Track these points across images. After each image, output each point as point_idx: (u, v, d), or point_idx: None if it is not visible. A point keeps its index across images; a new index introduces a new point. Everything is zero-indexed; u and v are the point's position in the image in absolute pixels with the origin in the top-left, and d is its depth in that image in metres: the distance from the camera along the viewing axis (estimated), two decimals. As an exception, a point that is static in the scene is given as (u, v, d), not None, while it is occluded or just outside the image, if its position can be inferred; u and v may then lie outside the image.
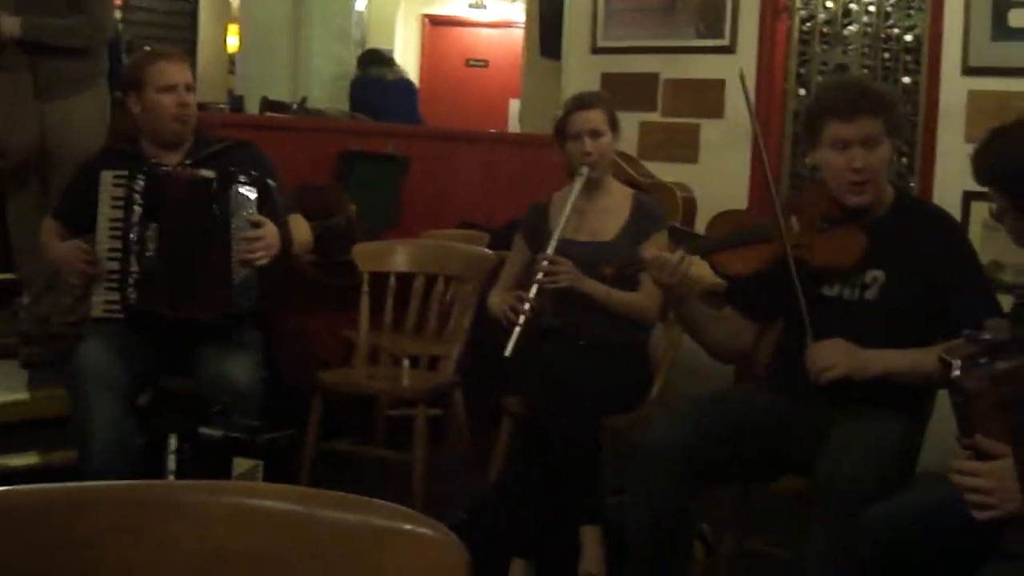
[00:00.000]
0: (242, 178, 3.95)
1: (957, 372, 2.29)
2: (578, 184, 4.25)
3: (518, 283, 4.39)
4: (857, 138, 3.28)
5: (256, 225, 3.92)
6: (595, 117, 4.30)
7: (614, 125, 4.35)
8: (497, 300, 4.31)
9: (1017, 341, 2.29)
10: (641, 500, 3.29)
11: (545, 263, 4.13)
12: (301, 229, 4.27)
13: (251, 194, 3.95)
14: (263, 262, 3.92)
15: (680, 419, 3.35)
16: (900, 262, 3.34)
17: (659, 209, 4.46)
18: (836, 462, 3.03)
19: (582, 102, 4.36)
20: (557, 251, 4.17)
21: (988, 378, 2.24)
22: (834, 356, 3.24)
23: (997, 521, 2.30)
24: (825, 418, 3.22)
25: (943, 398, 3.52)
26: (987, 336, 2.31)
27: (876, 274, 3.35)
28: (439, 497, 4.46)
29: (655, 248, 3.68)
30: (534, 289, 4.10)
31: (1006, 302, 3.49)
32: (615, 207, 4.37)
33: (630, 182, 4.98)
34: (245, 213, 3.93)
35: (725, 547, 3.82)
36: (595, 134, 4.28)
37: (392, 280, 4.85)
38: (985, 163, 2.81)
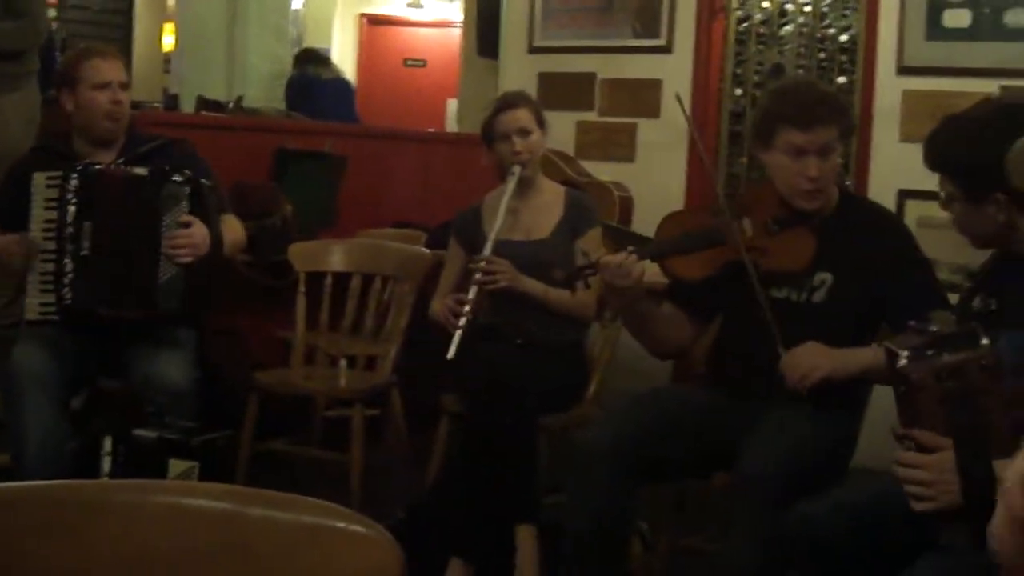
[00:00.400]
0: (176, 177, 3.93)
1: (904, 362, 2.30)
2: (511, 184, 4.23)
3: (457, 288, 4.38)
4: (813, 147, 3.27)
5: (185, 225, 3.90)
6: (522, 116, 4.29)
7: (541, 122, 4.34)
8: (438, 306, 4.29)
9: (963, 335, 2.30)
10: (580, 500, 3.29)
11: (483, 264, 4.13)
12: (233, 230, 4.24)
13: (183, 193, 3.93)
14: (187, 261, 3.89)
15: (618, 418, 3.36)
16: (848, 264, 3.34)
17: (592, 205, 4.46)
18: (755, 457, 3.06)
19: (507, 102, 4.35)
20: (494, 252, 4.16)
21: (932, 371, 2.26)
22: (814, 360, 3.22)
23: (934, 513, 2.32)
24: (760, 414, 3.24)
25: (878, 394, 3.57)
26: (933, 328, 2.32)
27: (824, 276, 3.36)
28: (376, 497, 4.44)
29: (592, 244, 3.68)
30: (473, 291, 4.09)
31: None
32: (548, 205, 4.36)
33: (567, 181, 4.99)
34: (176, 212, 3.91)
35: (663, 544, 3.84)
36: (524, 132, 4.27)
37: (328, 280, 4.82)
38: (937, 150, 2.82)
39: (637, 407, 3.41)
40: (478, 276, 4.11)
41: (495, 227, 4.18)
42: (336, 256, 4.92)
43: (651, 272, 3.53)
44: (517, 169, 4.24)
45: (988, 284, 2.85)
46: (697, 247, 3.41)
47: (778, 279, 3.38)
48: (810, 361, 3.21)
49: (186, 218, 3.90)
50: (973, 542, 2.21)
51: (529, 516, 3.86)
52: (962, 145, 2.75)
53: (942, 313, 2.59)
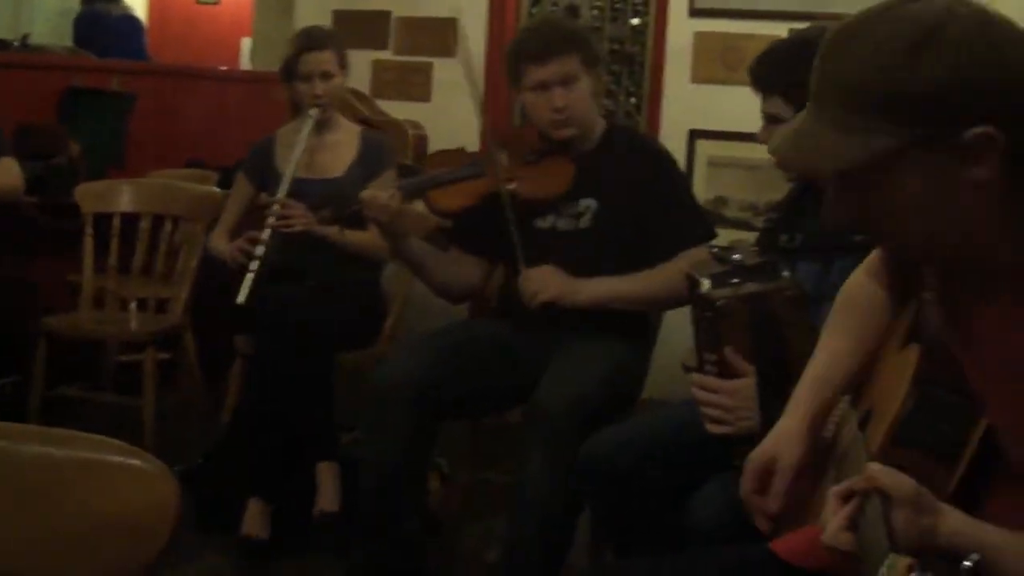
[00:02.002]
0: None
1: (707, 287, 2.33)
2: (307, 126, 4.16)
3: (240, 222, 4.31)
4: (555, 78, 3.37)
5: None
6: (327, 58, 4.21)
7: (344, 64, 4.28)
8: (223, 245, 4.19)
9: (765, 266, 2.35)
10: (378, 435, 3.30)
11: (277, 206, 4.06)
12: (6, 175, 4.10)
13: None
14: None
15: (414, 353, 3.38)
16: (611, 189, 3.43)
17: (387, 146, 4.44)
18: (547, 391, 3.12)
19: (314, 42, 4.24)
20: (288, 191, 4.08)
21: (738, 298, 2.29)
22: (544, 281, 3.32)
23: (727, 437, 2.37)
24: (549, 347, 3.29)
25: (667, 326, 3.65)
26: (736, 256, 2.36)
27: (588, 203, 3.44)
28: (172, 441, 4.39)
29: (384, 186, 3.68)
30: (267, 233, 4.01)
31: (728, 235, 3.59)
32: (343, 143, 4.32)
33: (361, 120, 4.94)
34: None
35: (460, 478, 3.87)
36: (326, 75, 4.20)
37: (117, 221, 4.70)
38: (771, 67, 2.75)
39: (432, 342, 3.43)
40: (272, 219, 4.04)
41: (290, 167, 4.11)
42: (125, 197, 4.80)
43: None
44: (315, 111, 4.18)
45: (795, 218, 2.85)
46: (455, 180, 3.49)
47: (539, 208, 3.46)
48: (540, 283, 3.32)
49: None
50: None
51: (328, 453, 3.87)
52: (798, 58, 2.67)
53: (744, 243, 2.61)
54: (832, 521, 1.54)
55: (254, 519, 3.77)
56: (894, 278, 1.95)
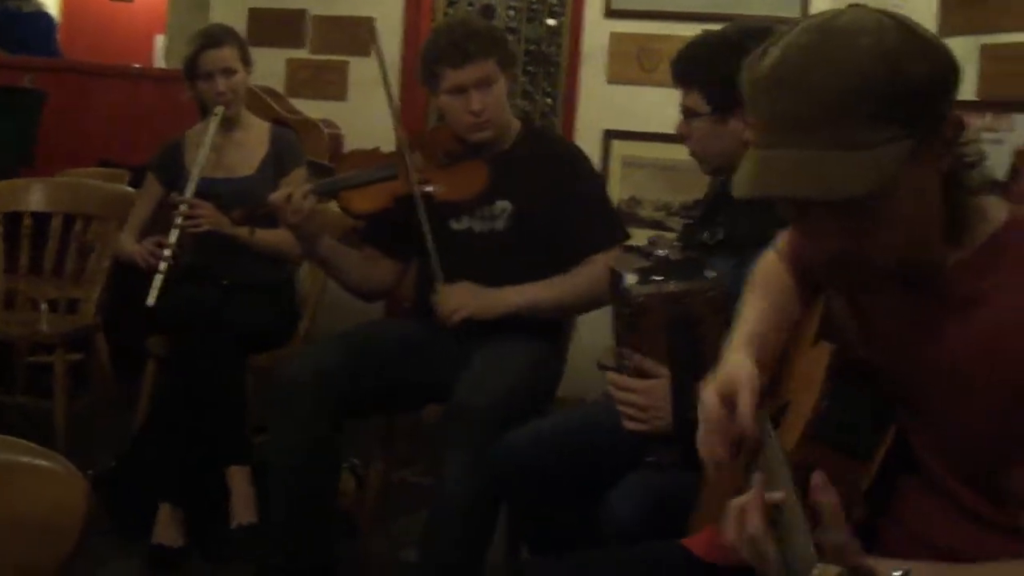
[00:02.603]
0: None
1: (630, 283, 2.33)
2: (214, 124, 4.14)
3: (149, 222, 4.27)
4: (472, 82, 3.36)
5: None
6: (228, 55, 4.18)
7: (247, 60, 4.25)
8: (131, 246, 4.13)
9: (689, 263, 2.35)
10: (284, 433, 3.27)
11: (184, 207, 4.02)
12: None
13: None
14: None
15: (320, 351, 3.37)
16: (526, 191, 3.44)
17: (297, 144, 4.42)
18: (468, 390, 3.11)
19: (213, 39, 4.20)
20: (198, 191, 4.06)
21: (657, 296, 2.30)
22: (460, 299, 3.33)
23: (644, 435, 2.38)
24: (465, 345, 3.29)
25: (581, 325, 3.66)
26: (661, 252, 2.36)
27: (504, 205, 3.45)
28: (85, 444, 4.33)
29: (295, 183, 3.66)
30: (174, 234, 3.97)
31: (642, 236, 3.60)
32: (253, 141, 4.30)
33: (275, 119, 4.91)
34: None
35: (374, 478, 3.86)
36: (228, 72, 4.17)
37: (27, 220, 4.63)
38: (689, 60, 2.76)
39: (341, 340, 3.41)
40: (179, 220, 4.00)
41: (197, 167, 4.08)
42: (35, 195, 4.73)
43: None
44: (220, 109, 4.15)
45: (715, 214, 2.84)
46: (369, 182, 3.47)
47: (453, 210, 3.46)
48: (457, 300, 3.33)
49: None
50: (681, 463, 2.29)
51: (240, 457, 3.83)
52: (716, 55, 2.70)
53: (666, 240, 2.62)
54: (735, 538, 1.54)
55: (166, 526, 3.73)
56: (802, 274, 1.96)
